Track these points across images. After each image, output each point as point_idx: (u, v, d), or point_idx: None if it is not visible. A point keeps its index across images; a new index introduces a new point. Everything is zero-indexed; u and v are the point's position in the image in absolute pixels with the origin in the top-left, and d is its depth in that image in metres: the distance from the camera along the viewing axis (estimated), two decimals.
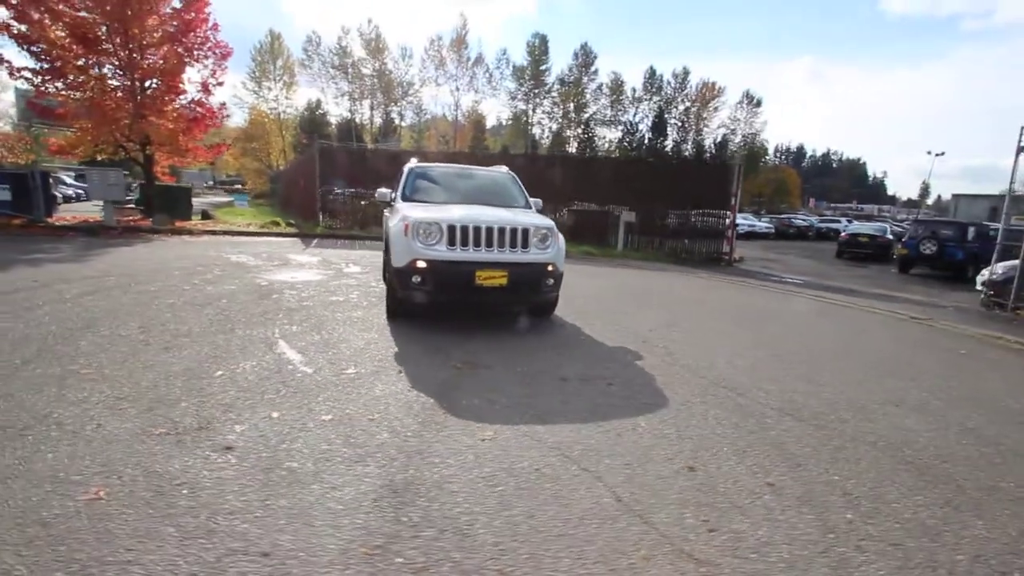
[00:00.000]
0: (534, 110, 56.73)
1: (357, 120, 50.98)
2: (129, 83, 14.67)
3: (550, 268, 5.37)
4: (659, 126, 57.16)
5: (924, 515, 2.48)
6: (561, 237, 5.63)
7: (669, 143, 57.53)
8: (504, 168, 7.02)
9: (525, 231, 5.26)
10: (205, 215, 19.34)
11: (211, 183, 54.56)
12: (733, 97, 59.88)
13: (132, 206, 18.60)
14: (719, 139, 58.70)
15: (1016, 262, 11.02)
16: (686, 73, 57.04)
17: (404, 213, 5.45)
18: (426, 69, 50.71)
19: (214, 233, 14.58)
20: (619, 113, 57.25)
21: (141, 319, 5.01)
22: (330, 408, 3.25)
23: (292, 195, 23.23)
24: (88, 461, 2.48)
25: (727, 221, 15.34)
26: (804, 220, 34.87)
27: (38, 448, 2.56)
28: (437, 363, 4.26)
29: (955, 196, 49.10)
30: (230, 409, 3.14)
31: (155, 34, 14.59)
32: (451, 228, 5.09)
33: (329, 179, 18.20)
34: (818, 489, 2.65)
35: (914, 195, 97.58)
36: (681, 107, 58.12)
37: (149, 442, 2.69)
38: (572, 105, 56.62)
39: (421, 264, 5.02)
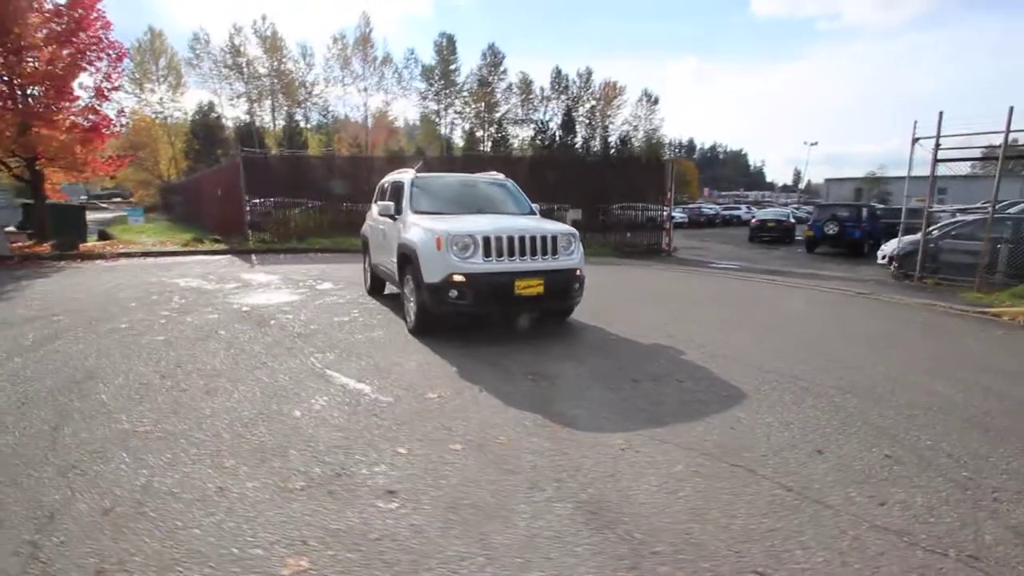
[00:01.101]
0: (446, 110, 56.31)
1: (257, 123, 47.54)
2: (9, 90, 12.65)
3: (578, 273, 5.48)
4: (568, 124, 59.10)
5: (1016, 464, 2.91)
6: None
7: (579, 140, 59.69)
8: (500, 175, 7.00)
9: (554, 238, 5.33)
10: (104, 235, 17.16)
11: (85, 197, 48.26)
12: (633, 95, 63.21)
13: (15, 230, 16.06)
14: (624, 135, 61.86)
15: (913, 237, 12.88)
16: (589, 73, 59.52)
17: (427, 226, 5.28)
18: (331, 69, 48.48)
19: (130, 256, 13.03)
20: (530, 112, 58.46)
21: (146, 362, 4.44)
22: (449, 436, 3.13)
23: (205, 208, 21.28)
24: (250, 529, 2.21)
25: (664, 214, 16.32)
26: (711, 209, 37.86)
27: (172, 529, 2.23)
28: (506, 377, 4.21)
29: (827, 180, 55.77)
30: (350, 451, 2.92)
31: (38, 34, 12.69)
32: (486, 239, 5.02)
33: (255, 190, 16.96)
34: (926, 454, 3.01)
35: (789, 181, 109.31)
36: (587, 105, 60.53)
37: (298, 499, 2.44)
38: (483, 105, 56.89)
39: (459, 278, 4.92)
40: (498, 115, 57.82)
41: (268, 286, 8.59)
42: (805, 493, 2.57)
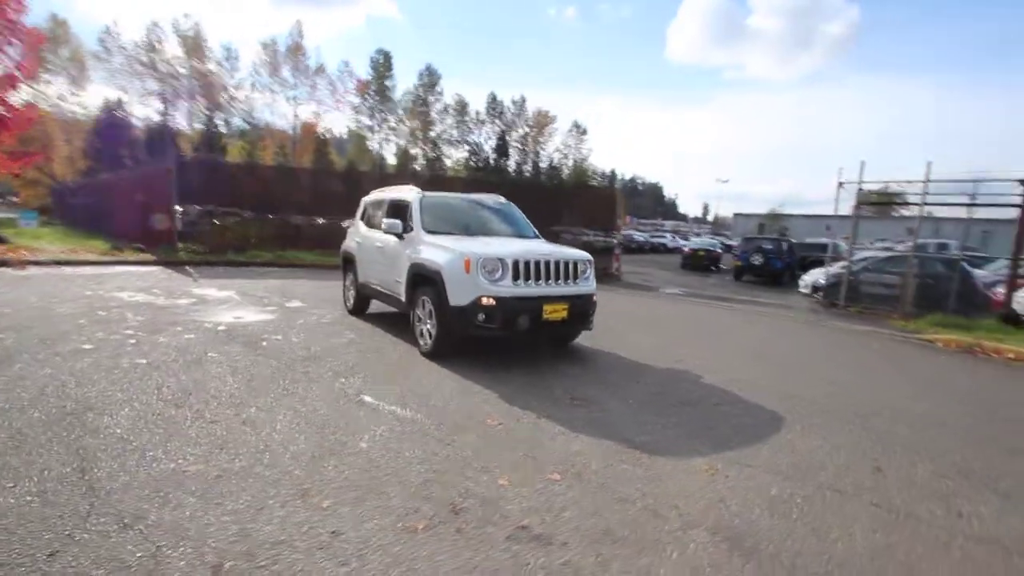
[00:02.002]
0: (380, 125, 55.30)
1: (172, 125, 43.87)
2: None
3: (594, 298, 5.58)
4: (502, 148, 60.14)
5: None
6: None
7: (512, 164, 60.85)
8: (502, 198, 6.98)
9: (576, 263, 5.40)
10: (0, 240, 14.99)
11: None
12: (564, 125, 65.72)
13: None
14: (554, 162, 63.95)
15: (833, 269, 14.38)
16: (523, 101, 61.17)
17: (450, 247, 5.17)
18: (259, 75, 46.00)
19: (41, 264, 11.47)
20: (465, 134, 58.86)
21: (144, 390, 3.91)
22: (538, 464, 3.04)
23: (118, 214, 19.20)
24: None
25: (615, 240, 17.02)
26: (640, 236, 39.89)
27: None
28: (553, 403, 4.16)
29: (735, 215, 60.95)
30: (448, 484, 2.74)
31: None
32: (515, 263, 4.99)
33: (187, 197, 15.66)
34: (976, 466, 3.35)
35: (699, 213, 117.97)
36: (521, 131, 62.02)
37: (429, 540, 2.26)
38: (418, 123, 56.57)
39: (488, 301, 4.83)
40: (433, 135, 57.70)
41: (229, 303, 7.91)
42: (892, 508, 2.77)
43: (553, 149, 64.46)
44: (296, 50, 46.03)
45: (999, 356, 6.97)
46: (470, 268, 4.87)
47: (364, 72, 53.38)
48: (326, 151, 52.06)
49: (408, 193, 6.25)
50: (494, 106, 59.85)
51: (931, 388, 5.44)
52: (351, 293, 7.47)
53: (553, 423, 3.72)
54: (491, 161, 59.12)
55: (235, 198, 16.69)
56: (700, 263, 23.54)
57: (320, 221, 18.07)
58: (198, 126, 46.46)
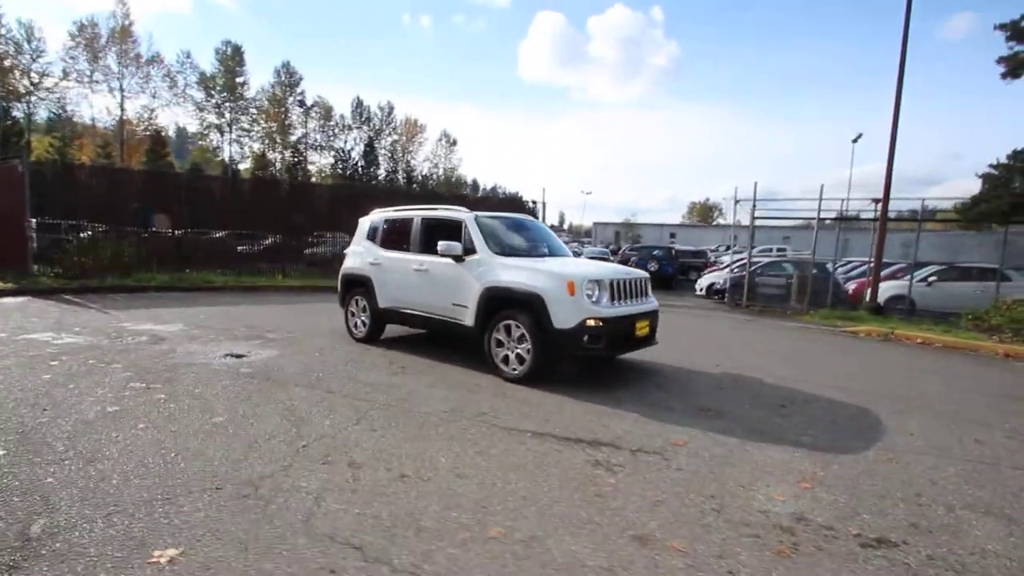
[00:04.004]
0: (230, 126, 49.64)
1: None
2: None
3: (659, 314, 5.90)
4: (370, 155, 57.93)
5: None
6: None
7: (382, 172, 58.92)
8: (530, 216, 6.96)
9: (645, 281, 5.68)
10: None
11: None
12: (434, 135, 65.60)
13: None
14: (425, 172, 63.42)
15: (734, 273, 16.62)
16: (391, 108, 59.67)
17: (544, 269, 5.15)
18: (75, 60, 38.16)
19: None
20: (330, 139, 55.56)
21: (190, 436, 3.28)
22: (784, 474, 3.24)
23: None
24: None
25: None
26: None
27: None
28: (687, 416, 4.36)
29: (595, 224, 66.30)
30: (741, 508, 2.81)
31: None
32: (611, 283, 5.11)
33: (43, 210, 12.70)
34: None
35: (556, 222, 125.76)
36: (390, 139, 60.39)
37: (800, 562, 2.34)
38: (276, 125, 52.04)
39: (594, 322, 4.88)
40: (294, 138, 53.50)
41: (198, 338, 6.68)
42: None
43: (423, 158, 63.94)
44: (123, 34, 39.31)
45: (910, 341, 8.84)
46: (575, 290, 4.86)
47: (209, 66, 47.55)
48: (163, 152, 45.17)
49: (459, 213, 5.96)
50: (360, 111, 57.49)
51: (914, 372, 6.77)
52: (361, 319, 6.81)
53: (717, 435, 3.94)
54: (359, 168, 56.63)
55: (83, 209, 13.78)
56: None
57: (218, 235, 15.84)
58: None
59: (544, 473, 3.20)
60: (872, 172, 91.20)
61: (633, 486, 3.07)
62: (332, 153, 55.80)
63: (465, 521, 2.61)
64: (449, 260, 5.66)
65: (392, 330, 7.07)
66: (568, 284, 4.87)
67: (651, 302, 5.63)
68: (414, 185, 60.30)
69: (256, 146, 51.42)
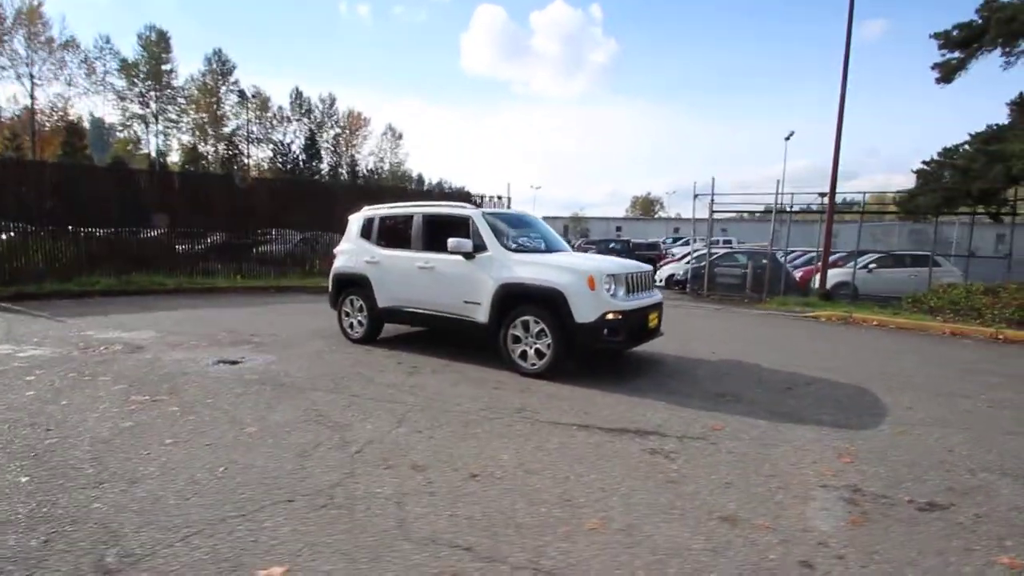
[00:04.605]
0: (156, 117, 46.25)
1: None
2: None
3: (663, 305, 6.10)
4: (312, 149, 55.72)
5: None
6: None
7: (325, 167, 56.83)
8: (529, 212, 6.97)
9: (651, 274, 5.86)
10: None
11: None
12: (378, 128, 63.95)
13: None
14: (371, 166, 61.75)
15: (696, 265, 17.32)
16: (333, 100, 57.55)
17: (562, 264, 5.20)
18: None
19: None
20: (268, 131, 52.92)
21: (229, 449, 3.17)
22: (795, 471, 3.46)
23: None
24: None
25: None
26: None
27: None
28: (710, 402, 4.56)
29: (544, 218, 66.97)
30: (804, 483, 3.00)
31: None
32: (626, 277, 5.23)
33: None
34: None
35: None
36: (332, 132, 58.27)
37: (875, 529, 2.54)
38: (207, 116, 49.02)
39: (614, 316, 4.98)
40: (228, 130, 50.58)
41: (179, 345, 6.26)
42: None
43: (368, 152, 62.26)
44: (32, 15, 35.65)
45: (867, 323, 9.60)
46: (595, 285, 4.94)
47: (131, 52, 44.08)
48: (80, 145, 41.48)
49: (465, 210, 5.89)
50: (300, 102, 55.14)
51: (886, 352, 7.35)
52: (358, 319, 6.61)
53: (752, 419, 4.15)
54: (301, 163, 54.37)
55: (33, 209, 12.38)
56: None
57: (153, 234, 14.64)
58: None
59: (608, 464, 3.26)
60: (800, 168, 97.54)
61: (697, 471, 3.19)
62: (271, 146, 53.25)
63: (558, 515, 2.64)
64: (458, 257, 5.60)
65: (385, 329, 6.90)
66: (588, 279, 4.95)
67: (657, 294, 5.83)
68: (359, 180, 58.64)
69: (186, 138, 48.27)
